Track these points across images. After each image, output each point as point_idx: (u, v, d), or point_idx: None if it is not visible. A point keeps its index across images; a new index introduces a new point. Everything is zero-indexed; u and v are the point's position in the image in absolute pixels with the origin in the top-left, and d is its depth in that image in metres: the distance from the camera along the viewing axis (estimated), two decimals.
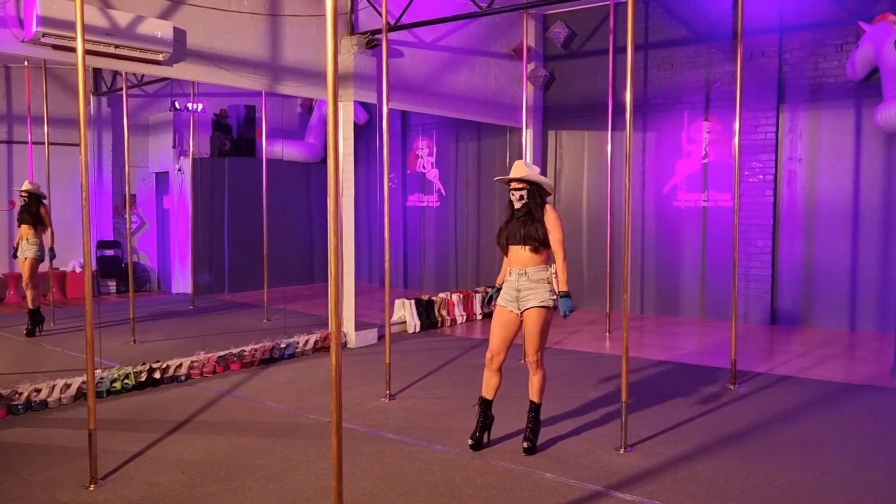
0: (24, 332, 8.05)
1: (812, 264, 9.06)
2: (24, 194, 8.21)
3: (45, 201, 8.32)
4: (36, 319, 8.10)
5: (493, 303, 4.75)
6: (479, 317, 9.84)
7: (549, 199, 4.83)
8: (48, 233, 8.30)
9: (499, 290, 4.71)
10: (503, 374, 4.80)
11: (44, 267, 9.58)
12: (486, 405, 4.75)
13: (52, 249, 8.36)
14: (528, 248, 4.56)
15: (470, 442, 4.69)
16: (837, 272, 8.88)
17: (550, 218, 4.58)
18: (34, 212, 8.15)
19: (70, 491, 4.04)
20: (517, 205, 4.64)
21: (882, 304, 8.60)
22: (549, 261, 4.63)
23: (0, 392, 5.39)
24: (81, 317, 4.24)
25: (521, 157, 8.40)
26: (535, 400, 4.73)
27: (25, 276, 8.15)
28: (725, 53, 9.47)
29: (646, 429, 5.04)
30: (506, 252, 4.69)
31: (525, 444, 4.63)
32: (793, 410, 5.53)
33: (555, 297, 4.58)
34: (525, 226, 4.57)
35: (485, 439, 4.75)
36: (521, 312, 4.59)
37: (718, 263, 9.57)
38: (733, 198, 6.26)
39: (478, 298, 9.89)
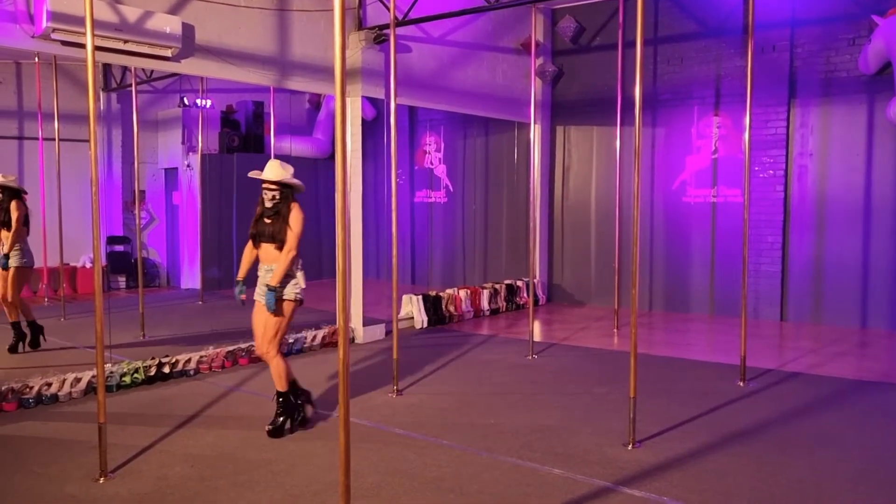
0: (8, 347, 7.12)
1: (823, 260, 9.00)
2: None
3: (25, 196, 7.12)
4: (20, 334, 7.14)
5: (240, 296, 5.00)
6: (488, 312, 9.83)
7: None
8: (10, 236, 6.87)
9: (241, 283, 4.97)
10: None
11: (54, 262, 9.65)
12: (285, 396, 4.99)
13: (6, 256, 6.87)
14: (275, 246, 4.79)
15: (269, 428, 4.86)
16: (848, 269, 8.81)
17: (293, 216, 4.82)
18: (6, 209, 6.90)
19: (80, 484, 4.07)
20: (268, 204, 4.85)
21: (893, 302, 8.53)
22: (297, 258, 4.86)
23: (11, 386, 5.43)
24: (91, 312, 4.26)
25: (529, 153, 8.39)
26: (280, 388, 4.90)
27: (10, 288, 6.91)
28: (736, 48, 9.40)
29: (654, 425, 5.03)
30: (256, 247, 4.91)
31: (267, 427, 4.84)
32: (802, 407, 5.50)
33: (299, 290, 4.85)
34: (273, 225, 4.80)
35: (287, 425, 4.93)
36: None
37: (728, 260, 9.52)
38: (743, 193, 6.21)
39: (486, 294, 9.89)
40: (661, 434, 4.87)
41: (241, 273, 5.05)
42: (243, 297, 4.99)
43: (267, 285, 4.75)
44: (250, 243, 4.96)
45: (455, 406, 5.58)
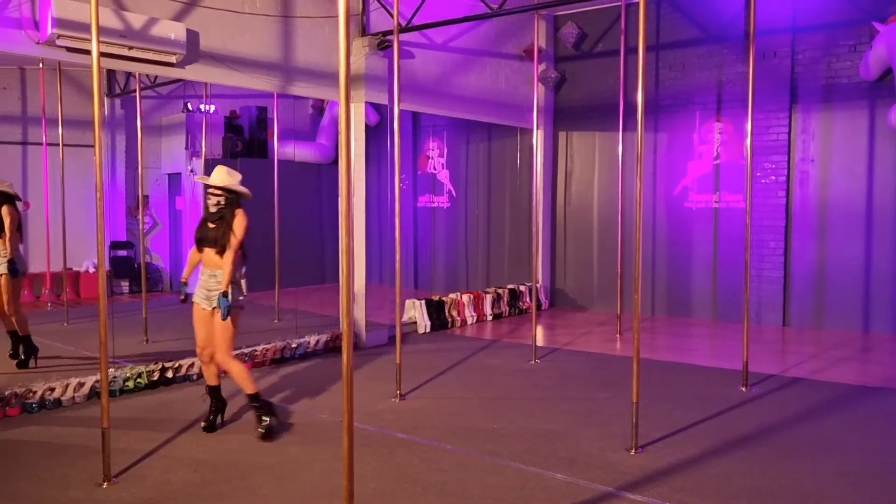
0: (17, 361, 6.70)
1: (825, 266, 9.00)
2: None
3: (18, 202, 6.63)
4: (22, 344, 6.68)
5: (184, 298, 5.07)
6: (490, 317, 9.84)
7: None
8: (9, 241, 6.40)
9: (185, 285, 5.05)
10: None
11: (57, 267, 9.67)
12: (214, 392, 5.10)
13: (11, 261, 6.39)
14: (216, 251, 4.84)
15: (203, 424, 5.01)
16: (850, 274, 8.81)
17: (237, 222, 4.86)
18: None
19: (83, 489, 4.08)
20: (212, 209, 4.89)
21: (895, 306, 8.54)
22: (241, 263, 4.92)
23: (15, 391, 5.44)
24: (95, 316, 4.27)
25: (531, 158, 8.40)
26: (248, 391, 4.95)
27: (4, 297, 6.45)
28: (737, 54, 9.42)
29: (657, 430, 5.03)
30: (200, 251, 4.95)
31: (259, 431, 4.87)
32: (805, 413, 5.50)
33: (242, 297, 4.91)
34: (217, 230, 4.86)
35: (218, 421, 5.08)
36: (213, 310, 4.87)
37: (730, 265, 9.53)
38: (745, 199, 6.23)
39: (488, 299, 9.89)
40: (664, 439, 4.87)
41: (185, 275, 5.14)
42: (182, 297, 5.09)
43: (222, 293, 4.76)
44: (195, 247, 4.99)
45: (458, 410, 5.59)
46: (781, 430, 5.10)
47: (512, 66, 10.20)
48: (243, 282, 4.96)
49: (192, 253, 5.08)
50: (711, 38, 9.63)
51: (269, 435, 4.86)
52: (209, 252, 4.89)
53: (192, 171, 11.79)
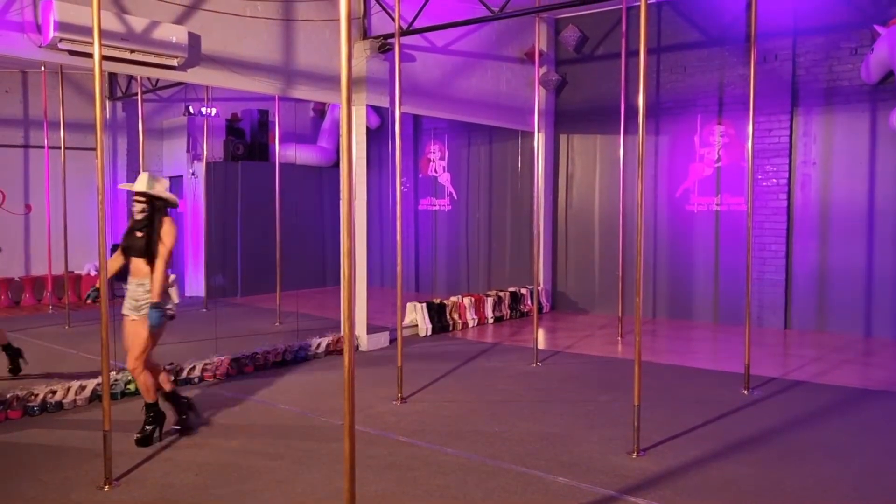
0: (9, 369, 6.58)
1: (826, 269, 8.99)
2: None
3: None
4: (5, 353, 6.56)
5: (91, 301, 4.84)
6: (492, 320, 9.84)
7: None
8: None
9: (97, 289, 4.74)
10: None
11: (58, 270, 9.68)
12: (164, 401, 4.98)
13: None
14: (145, 261, 4.72)
15: (137, 436, 4.82)
16: (852, 277, 8.80)
17: (164, 230, 4.73)
18: None
19: (84, 491, 4.08)
20: (137, 216, 4.77)
21: None
22: (170, 274, 4.79)
23: (17, 394, 5.45)
24: (96, 319, 4.28)
25: (533, 161, 8.40)
26: (148, 400, 4.87)
27: None
28: (739, 57, 9.43)
29: (658, 433, 5.02)
30: (127, 260, 4.82)
31: (135, 436, 4.79)
32: (807, 416, 5.49)
33: (171, 306, 4.77)
34: (143, 239, 4.72)
35: (156, 434, 4.90)
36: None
37: (731, 268, 9.52)
38: (747, 202, 6.23)
39: (490, 302, 9.89)
40: (666, 442, 4.87)
41: (103, 281, 4.88)
42: (90, 301, 4.88)
43: (153, 304, 4.65)
44: (119, 253, 4.87)
45: (459, 413, 5.58)
46: (783, 433, 5.09)
47: (513, 69, 10.21)
48: (173, 290, 4.82)
49: (112, 261, 4.88)
50: (712, 41, 9.63)
51: (143, 441, 4.78)
52: (137, 261, 4.75)
53: (193, 174, 11.80)
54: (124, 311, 4.82)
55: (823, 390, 6.23)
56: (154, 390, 4.90)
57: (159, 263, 4.70)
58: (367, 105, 8.00)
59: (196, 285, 11.52)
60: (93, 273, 11.21)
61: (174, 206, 4.89)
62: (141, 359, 4.78)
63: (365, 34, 8.00)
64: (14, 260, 10.79)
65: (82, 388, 5.77)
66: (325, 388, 6.31)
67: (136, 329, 4.76)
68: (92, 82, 4.20)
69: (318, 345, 7.59)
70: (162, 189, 4.79)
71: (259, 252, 11.46)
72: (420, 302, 9.13)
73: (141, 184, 4.75)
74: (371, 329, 8.10)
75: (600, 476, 4.28)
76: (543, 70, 10.56)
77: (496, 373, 6.93)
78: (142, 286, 4.75)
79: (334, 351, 7.68)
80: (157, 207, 4.77)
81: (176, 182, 12.33)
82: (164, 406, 4.99)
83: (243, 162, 11.88)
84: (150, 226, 4.74)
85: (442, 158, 12.39)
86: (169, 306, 4.81)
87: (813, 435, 5.04)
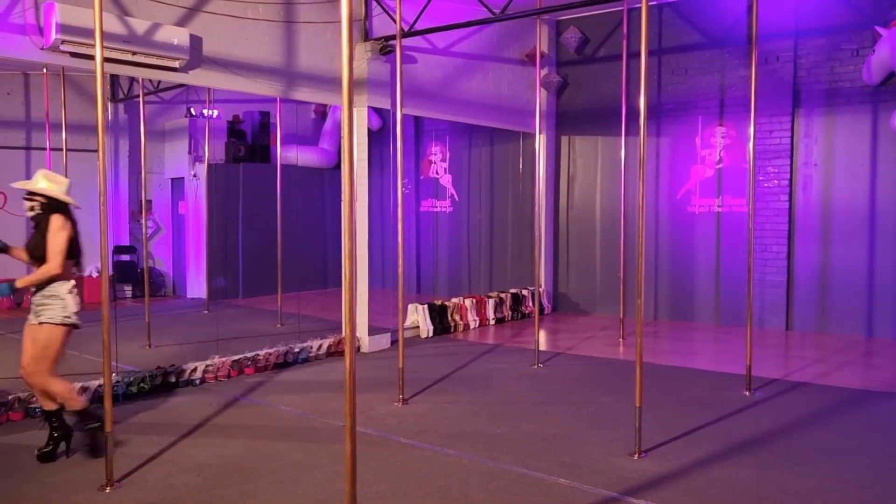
0: None
1: (828, 270, 8.98)
2: None
3: None
4: None
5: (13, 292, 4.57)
6: (493, 321, 9.83)
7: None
8: None
9: (13, 283, 4.51)
10: None
11: None
12: (50, 417, 4.65)
13: None
14: (37, 264, 4.50)
15: (37, 452, 4.57)
16: (854, 278, 8.79)
17: (51, 228, 4.44)
18: None
19: (85, 493, 4.08)
20: (30, 215, 4.55)
21: None
22: (67, 279, 4.53)
23: (18, 395, 5.45)
24: (98, 321, 4.28)
25: (534, 162, 8.40)
26: (74, 408, 4.58)
27: None
28: (740, 58, 9.43)
29: (660, 434, 5.02)
30: (33, 263, 4.59)
31: (36, 451, 4.55)
32: (809, 417, 5.48)
33: (69, 314, 4.51)
34: (35, 239, 4.50)
35: (60, 449, 4.65)
36: (40, 325, 4.50)
37: (733, 269, 9.51)
38: (748, 203, 6.23)
39: (491, 303, 9.89)
40: (667, 444, 4.86)
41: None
42: (11, 295, 4.59)
43: (9, 282, 4.39)
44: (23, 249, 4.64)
45: (461, 415, 5.58)
46: (785, 434, 5.08)
47: (514, 70, 10.22)
48: (71, 297, 4.52)
49: (17, 252, 4.67)
50: (714, 42, 9.63)
51: (42, 458, 4.55)
52: (34, 263, 4.54)
53: (194, 175, 11.82)
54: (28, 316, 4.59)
55: (825, 391, 6.22)
56: (77, 396, 4.67)
57: (45, 265, 4.43)
58: (369, 107, 8.01)
59: (198, 287, 11.53)
60: (94, 275, 11.22)
61: (73, 206, 4.62)
62: (48, 370, 4.50)
63: (366, 36, 8.01)
64: (16, 261, 10.78)
65: (84, 389, 5.77)
66: (326, 389, 6.31)
67: (32, 333, 4.52)
68: (94, 84, 4.21)
69: (320, 346, 7.59)
70: (56, 189, 4.52)
71: (260, 253, 11.47)
72: (421, 303, 9.13)
73: (32, 182, 4.53)
74: (372, 331, 8.10)
75: (602, 477, 4.27)
76: (545, 72, 10.57)
77: (497, 374, 6.92)
78: (39, 290, 4.51)
79: (335, 352, 7.68)
80: (46, 206, 4.49)
81: (178, 184, 12.36)
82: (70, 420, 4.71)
83: (245, 164, 11.90)
84: (38, 226, 4.50)
85: (443, 160, 12.40)
86: (65, 315, 4.52)
87: (815, 436, 5.04)
